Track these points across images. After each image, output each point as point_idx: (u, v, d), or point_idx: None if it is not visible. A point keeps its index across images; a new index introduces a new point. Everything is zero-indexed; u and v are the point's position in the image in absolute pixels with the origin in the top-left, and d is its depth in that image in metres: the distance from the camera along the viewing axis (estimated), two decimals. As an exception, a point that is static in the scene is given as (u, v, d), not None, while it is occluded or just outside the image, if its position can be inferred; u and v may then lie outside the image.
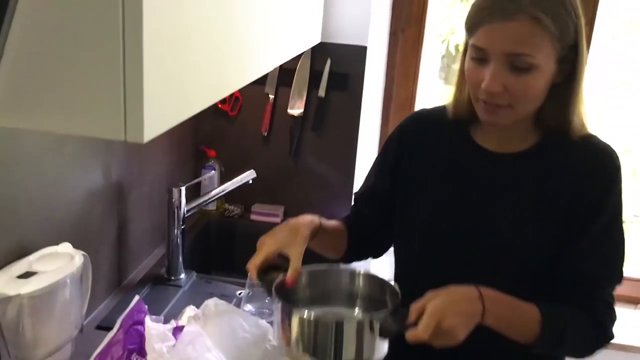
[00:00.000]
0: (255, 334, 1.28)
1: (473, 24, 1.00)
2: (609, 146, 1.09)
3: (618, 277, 1.10)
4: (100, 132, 0.70)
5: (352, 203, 1.32)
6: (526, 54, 0.96)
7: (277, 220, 2.02)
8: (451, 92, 1.15)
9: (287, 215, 2.05)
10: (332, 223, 1.23)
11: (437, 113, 1.20)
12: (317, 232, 1.13)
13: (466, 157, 1.14)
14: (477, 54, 1.00)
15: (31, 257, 1.10)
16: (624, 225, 1.09)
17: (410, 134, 1.22)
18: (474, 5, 1.01)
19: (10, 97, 0.69)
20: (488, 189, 1.11)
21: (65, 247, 1.16)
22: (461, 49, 1.09)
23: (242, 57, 1.05)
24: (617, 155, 1.08)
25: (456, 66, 1.13)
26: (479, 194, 1.12)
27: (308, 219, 1.13)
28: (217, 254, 2.04)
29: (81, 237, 1.35)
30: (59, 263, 1.10)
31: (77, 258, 1.14)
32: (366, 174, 1.30)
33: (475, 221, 1.11)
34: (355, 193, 1.32)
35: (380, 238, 1.28)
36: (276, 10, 1.26)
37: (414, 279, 1.13)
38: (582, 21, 1.01)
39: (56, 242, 1.17)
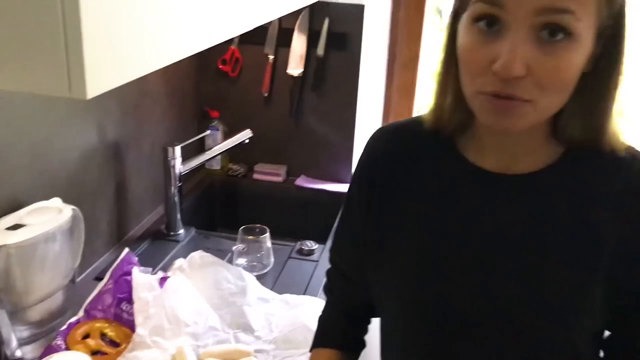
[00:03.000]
0: (239, 285, 1.34)
1: None
2: None
3: None
4: (47, 88, 0.74)
5: (329, 266, 1.04)
6: (570, 9, 0.61)
7: (280, 179, 2.06)
8: (433, 93, 0.82)
9: (289, 175, 2.10)
10: None
11: (409, 125, 0.87)
12: None
13: (457, 183, 0.80)
14: (486, 15, 0.65)
15: (21, 211, 1.17)
16: None
17: (380, 158, 0.87)
18: None
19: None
20: (488, 224, 0.78)
21: (55, 201, 1.22)
22: (446, 31, 0.76)
23: (210, 15, 1.05)
24: None
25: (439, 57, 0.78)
26: (477, 234, 0.78)
27: None
28: (221, 211, 2.11)
29: (76, 193, 1.41)
30: (47, 216, 1.17)
31: (66, 212, 1.20)
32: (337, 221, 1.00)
33: (474, 283, 0.78)
34: (330, 251, 1.03)
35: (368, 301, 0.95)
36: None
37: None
38: None
39: (49, 198, 1.24)
